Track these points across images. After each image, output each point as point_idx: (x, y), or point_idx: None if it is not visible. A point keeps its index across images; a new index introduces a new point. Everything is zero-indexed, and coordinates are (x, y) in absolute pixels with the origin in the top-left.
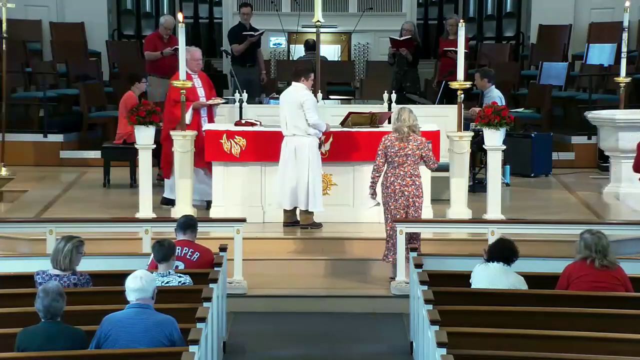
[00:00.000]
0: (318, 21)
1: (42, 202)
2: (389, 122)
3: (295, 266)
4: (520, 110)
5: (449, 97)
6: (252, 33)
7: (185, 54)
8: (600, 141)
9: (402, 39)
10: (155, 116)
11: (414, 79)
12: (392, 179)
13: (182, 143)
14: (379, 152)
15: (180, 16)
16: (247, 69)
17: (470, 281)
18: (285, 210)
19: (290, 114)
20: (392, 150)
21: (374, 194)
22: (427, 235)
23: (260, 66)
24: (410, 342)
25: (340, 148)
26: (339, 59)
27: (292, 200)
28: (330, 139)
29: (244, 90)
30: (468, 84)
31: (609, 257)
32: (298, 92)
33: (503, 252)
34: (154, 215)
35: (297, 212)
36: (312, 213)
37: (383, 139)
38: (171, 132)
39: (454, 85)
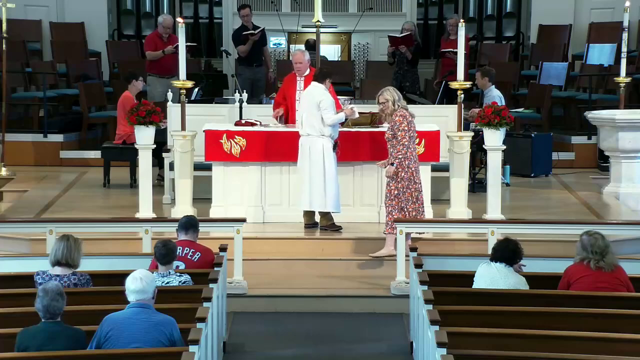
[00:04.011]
0: (318, 21)
1: (42, 202)
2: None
3: (295, 266)
4: (520, 110)
5: (449, 97)
6: (253, 32)
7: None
8: (600, 141)
9: (401, 36)
10: (155, 116)
11: (414, 79)
12: (414, 153)
13: (182, 143)
14: (407, 129)
15: (180, 19)
16: (254, 69)
17: (473, 279)
18: (305, 212)
19: (307, 113)
20: (413, 125)
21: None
22: (427, 235)
23: (267, 65)
24: (410, 342)
25: (340, 148)
26: (339, 59)
27: (309, 201)
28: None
29: (245, 90)
30: (468, 84)
31: (606, 258)
32: (317, 92)
33: (505, 252)
34: (154, 215)
35: (317, 213)
36: (329, 214)
37: (405, 116)
38: (172, 132)
39: (454, 85)
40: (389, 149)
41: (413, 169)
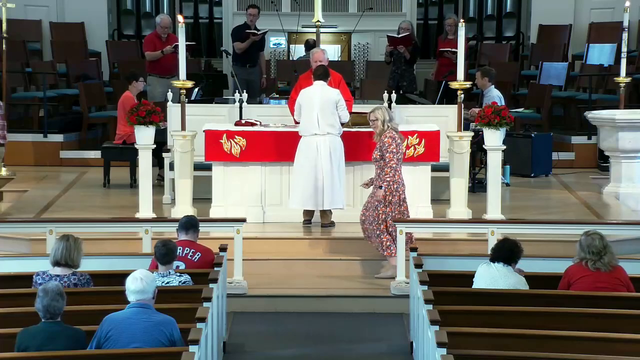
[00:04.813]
0: (318, 21)
1: (42, 202)
2: None
3: (295, 266)
4: (520, 110)
5: (449, 97)
6: (255, 32)
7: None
8: (600, 141)
9: (400, 36)
10: (155, 116)
11: (411, 79)
12: (402, 175)
13: (182, 143)
14: (395, 152)
15: (180, 18)
16: (247, 70)
17: (473, 280)
18: (307, 210)
19: (324, 114)
20: (401, 148)
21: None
22: (427, 235)
23: (261, 69)
24: (410, 342)
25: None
26: (339, 59)
27: (327, 201)
28: None
29: (245, 90)
30: (468, 84)
31: (603, 259)
32: (332, 92)
33: (503, 252)
34: (154, 215)
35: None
36: (329, 212)
37: (394, 137)
38: (172, 132)
39: (454, 85)
40: (376, 170)
41: (401, 192)
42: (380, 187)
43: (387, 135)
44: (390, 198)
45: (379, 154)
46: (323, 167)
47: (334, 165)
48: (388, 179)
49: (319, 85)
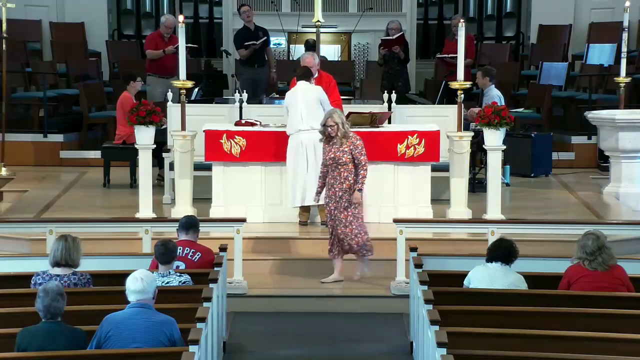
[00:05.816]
0: (318, 21)
1: (42, 202)
2: (389, 122)
3: (295, 266)
4: (520, 110)
5: (449, 97)
6: (255, 42)
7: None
8: (600, 141)
9: (395, 37)
10: (155, 116)
11: (406, 78)
12: None
13: (182, 143)
14: (365, 153)
15: (180, 17)
16: (255, 69)
17: (464, 282)
18: (302, 211)
19: (309, 109)
20: None
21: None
22: (427, 235)
23: (270, 65)
24: (410, 342)
25: None
26: (339, 59)
27: (306, 195)
28: None
29: (246, 90)
30: (468, 84)
31: (598, 259)
32: (314, 88)
33: (500, 252)
34: (154, 215)
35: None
36: None
37: (361, 139)
38: (172, 132)
39: (454, 85)
40: (340, 172)
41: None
42: (360, 190)
43: (357, 138)
44: (363, 200)
45: (349, 157)
46: (308, 161)
47: (318, 160)
48: (365, 182)
49: (302, 85)
